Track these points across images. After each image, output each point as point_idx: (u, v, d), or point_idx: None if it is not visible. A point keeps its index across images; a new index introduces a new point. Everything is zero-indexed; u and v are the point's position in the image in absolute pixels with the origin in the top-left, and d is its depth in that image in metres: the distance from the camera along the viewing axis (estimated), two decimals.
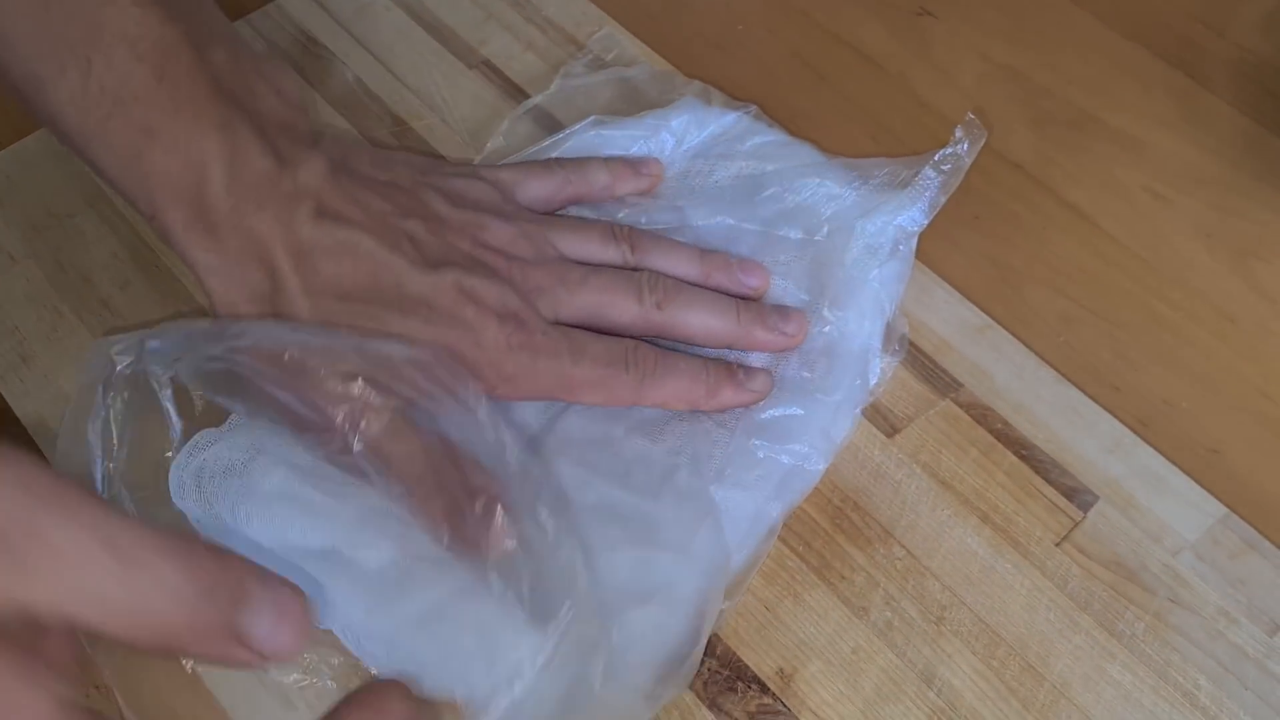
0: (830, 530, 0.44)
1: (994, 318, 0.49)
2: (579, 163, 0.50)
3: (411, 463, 0.39)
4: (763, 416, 0.45)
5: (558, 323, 0.44)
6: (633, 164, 0.51)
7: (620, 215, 0.50)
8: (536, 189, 0.49)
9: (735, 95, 0.55)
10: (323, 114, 0.56)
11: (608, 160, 0.51)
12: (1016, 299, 0.50)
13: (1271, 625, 0.42)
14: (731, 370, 0.45)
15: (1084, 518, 0.44)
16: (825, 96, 0.57)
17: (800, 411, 0.45)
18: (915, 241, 0.49)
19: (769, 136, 0.52)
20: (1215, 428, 0.47)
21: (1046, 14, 0.59)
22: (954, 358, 0.48)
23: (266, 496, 0.42)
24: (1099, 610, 0.42)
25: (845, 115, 0.56)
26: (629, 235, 0.47)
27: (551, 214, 0.49)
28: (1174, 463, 0.45)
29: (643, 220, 0.50)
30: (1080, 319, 0.50)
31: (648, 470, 0.43)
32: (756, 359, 0.47)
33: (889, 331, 0.47)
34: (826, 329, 0.47)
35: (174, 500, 0.43)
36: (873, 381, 0.47)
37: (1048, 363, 0.48)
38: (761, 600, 0.43)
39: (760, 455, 0.44)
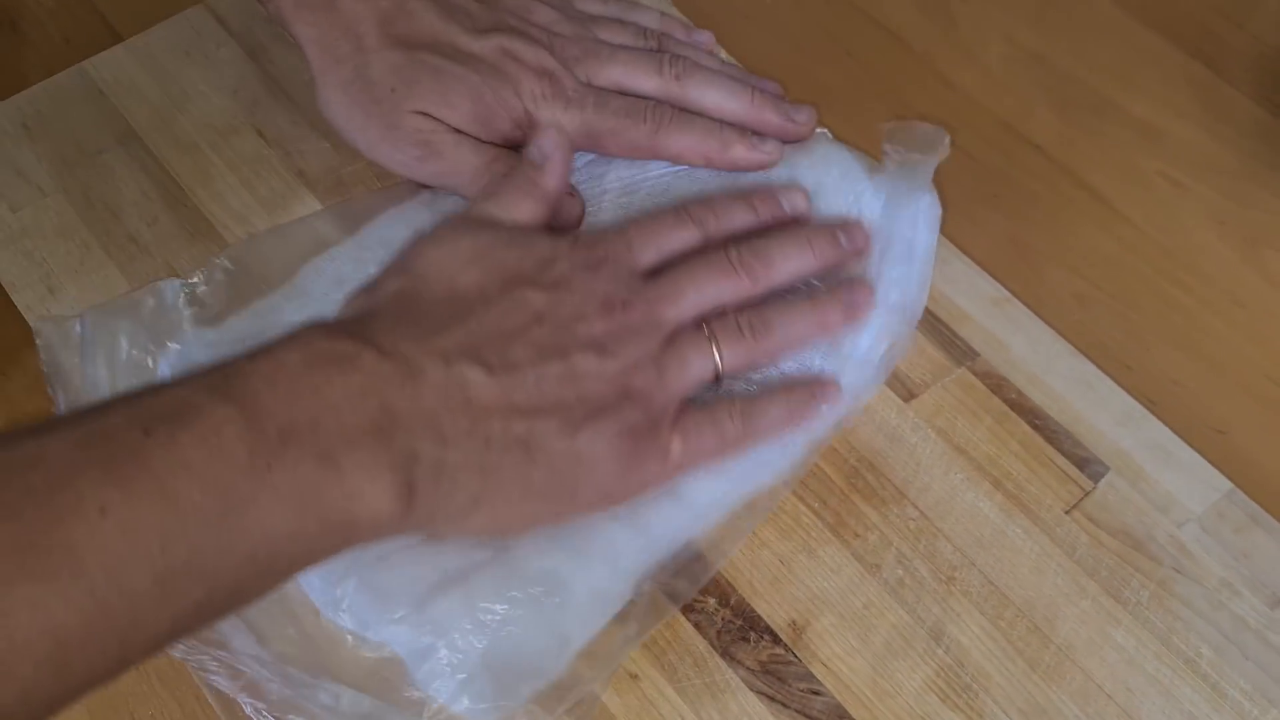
0: (845, 489, 0.45)
1: (1012, 292, 0.50)
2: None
3: None
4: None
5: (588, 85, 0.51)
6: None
7: (623, 174, 0.52)
8: (593, 3, 0.56)
9: (762, 67, 0.56)
10: None
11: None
12: (1034, 276, 0.51)
13: (1273, 598, 0.43)
14: (743, 132, 0.51)
15: (1094, 487, 0.45)
16: (851, 71, 0.58)
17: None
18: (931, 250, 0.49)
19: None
20: (1222, 408, 0.48)
21: (1072, 0, 0.60)
22: (971, 328, 0.49)
23: None
24: (1105, 577, 0.43)
25: (869, 91, 0.57)
26: (674, 63, 0.52)
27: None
28: (1182, 439, 0.46)
29: (650, 180, 0.51)
30: (1095, 298, 0.50)
31: None
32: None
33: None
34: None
35: None
36: (868, 397, 0.47)
37: (1063, 338, 0.49)
38: (776, 554, 0.44)
39: None
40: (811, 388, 0.45)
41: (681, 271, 0.45)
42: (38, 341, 0.47)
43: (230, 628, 0.42)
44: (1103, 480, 0.45)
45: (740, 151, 0.51)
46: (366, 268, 0.48)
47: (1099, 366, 0.48)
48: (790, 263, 0.46)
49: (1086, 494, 0.45)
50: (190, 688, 0.42)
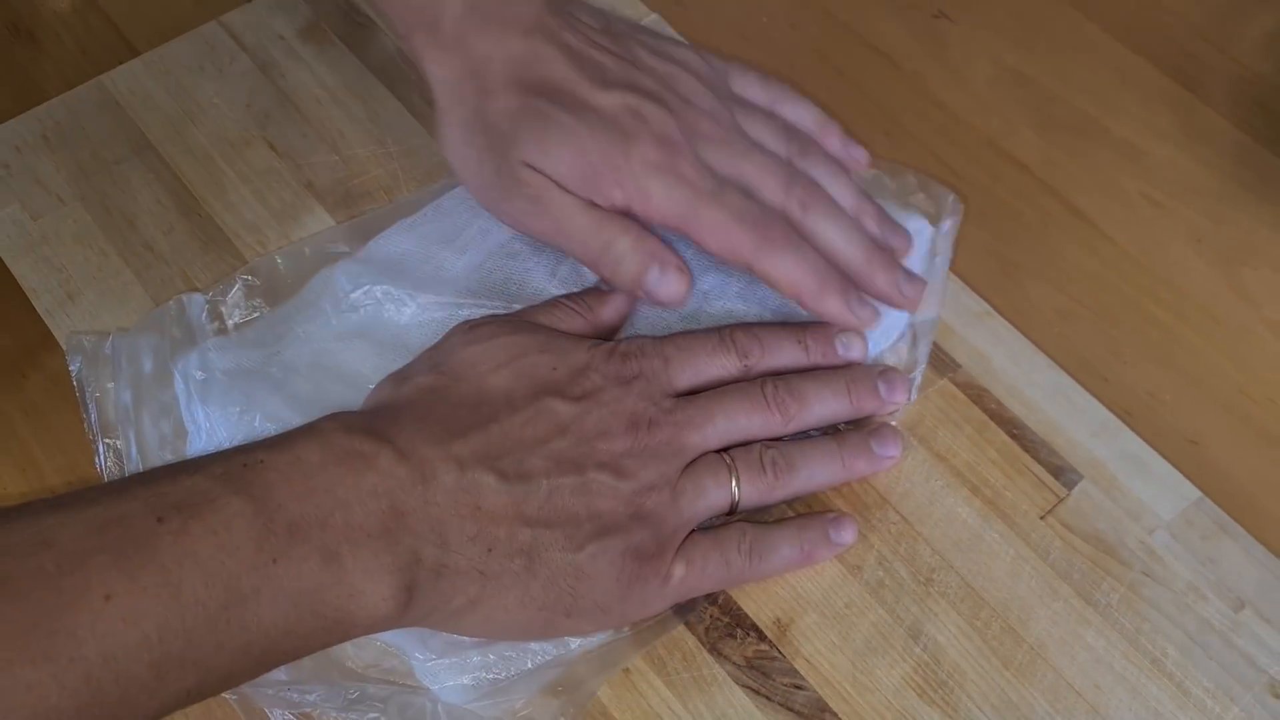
0: (829, 494, 0.47)
1: (994, 307, 0.52)
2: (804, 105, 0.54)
3: None
4: None
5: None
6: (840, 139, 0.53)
7: None
8: (751, 87, 0.52)
9: None
10: (363, 82, 0.59)
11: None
12: (1017, 291, 0.53)
13: (1237, 602, 0.45)
14: (846, 285, 0.47)
15: (1068, 495, 0.47)
16: (843, 91, 0.60)
17: None
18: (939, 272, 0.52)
19: None
20: (1195, 420, 0.49)
21: (1057, 23, 0.62)
22: (954, 340, 0.51)
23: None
24: (1077, 580, 0.45)
25: (861, 110, 0.59)
26: (804, 187, 0.49)
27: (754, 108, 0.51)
28: (1155, 449, 0.48)
29: None
30: (1075, 314, 0.52)
31: None
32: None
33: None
34: None
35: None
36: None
37: (1043, 351, 0.51)
38: None
39: None
40: (825, 526, 0.45)
41: (713, 399, 0.45)
42: (68, 358, 0.49)
43: None
44: (1076, 488, 0.47)
45: (833, 304, 0.47)
46: (370, 281, 0.50)
47: (1077, 379, 0.50)
48: (826, 407, 0.46)
49: (1061, 501, 0.47)
50: None
